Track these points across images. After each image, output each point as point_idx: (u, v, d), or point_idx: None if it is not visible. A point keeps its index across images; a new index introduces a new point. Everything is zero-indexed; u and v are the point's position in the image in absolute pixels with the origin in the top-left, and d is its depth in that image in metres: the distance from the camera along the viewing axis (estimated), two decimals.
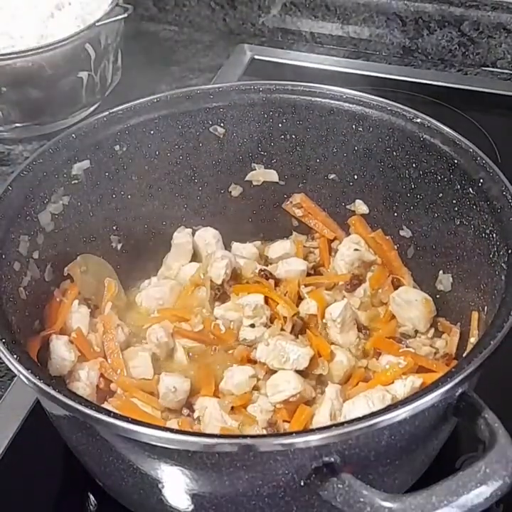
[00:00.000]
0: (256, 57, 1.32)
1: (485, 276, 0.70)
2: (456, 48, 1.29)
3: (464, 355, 0.66)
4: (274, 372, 0.74)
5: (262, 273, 0.83)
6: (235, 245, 0.90)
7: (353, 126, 0.83)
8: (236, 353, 0.77)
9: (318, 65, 1.29)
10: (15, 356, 0.60)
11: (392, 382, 0.72)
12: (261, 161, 0.88)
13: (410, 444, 0.60)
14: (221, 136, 0.86)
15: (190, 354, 0.78)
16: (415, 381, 0.71)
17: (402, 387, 0.71)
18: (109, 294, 0.82)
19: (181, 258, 0.88)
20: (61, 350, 0.74)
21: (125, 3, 1.17)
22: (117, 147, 0.82)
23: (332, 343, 0.78)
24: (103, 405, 0.71)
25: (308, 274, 0.86)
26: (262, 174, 0.89)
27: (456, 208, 0.77)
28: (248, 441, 0.54)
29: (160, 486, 0.62)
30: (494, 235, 0.70)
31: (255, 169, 0.89)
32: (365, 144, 0.84)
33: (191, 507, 0.63)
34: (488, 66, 1.28)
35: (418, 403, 0.55)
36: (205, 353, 0.79)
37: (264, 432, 0.71)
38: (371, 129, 0.82)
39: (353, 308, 0.80)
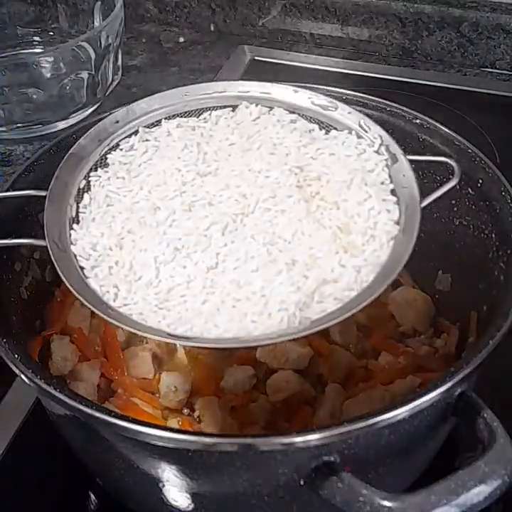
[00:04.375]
0: (256, 58, 1.32)
1: (484, 276, 0.71)
2: (455, 49, 1.29)
3: (463, 354, 0.66)
4: (274, 371, 0.74)
5: None
6: None
7: None
8: (236, 353, 0.77)
9: (317, 65, 1.30)
10: (16, 356, 0.60)
11: (392, 382, 0.72)
12: None
13: (410, 443, 0.60)
14: None
15: (191, 354, 0.78)
16: (415, 381, 0.71)
17: (401, 387, 0.71)
18: None
19: None
20: (62, 350, 0.75)
21: (125, 4, 1.18)
22: None
23: (331, 343, 0.78)
24: (104, 405, 0.72)
25: None
26: None
27: (455, 209, 0.77)
28: (248, 440, 0.54)
29: (160, 485, 0.62)
30: (493, 235, 0.70)
31: None
32: None
33: (191, 506, 0.63)
34: (487, 67, 1.28)
35: (417, 402, 0.55)
36: (205, 353, 0.79)
37: (265, 431, 0.71)
38: None
39: None
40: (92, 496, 0.74)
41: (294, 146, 0.66)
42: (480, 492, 0.52)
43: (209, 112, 0.71)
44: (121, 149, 0.70)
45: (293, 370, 0.74)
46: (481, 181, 0.73)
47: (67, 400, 0.56)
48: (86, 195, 0.67)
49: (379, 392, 0.70)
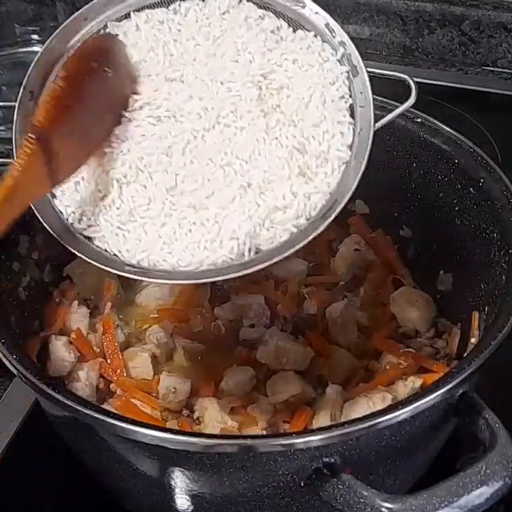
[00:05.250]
0: None
1: (485, 276, 0.70)
2: (456, 48, 1.29)
3: (465, 355, 0.66)
4: (274, 372, 0.74)
5: (262, 273, 0.83)
6: None
7: None
8: (236, 353, 0.77)
9: None
10: (14, 356, 0.60)
11: (393, 383, 0.72)
12: None
13: (411, 444, 0.60)
14: None
15: (190, 354, 0.78)
16: (416, 381, 0.71)
17: (402, 388, 0.71)
18: (108, 294, 0.82)
19: None
20: (60, 351, 0.74)
21: None
22: None
23: (332, 343, 0.78)
24: (103, 406, 0.71)
25: (309, 274, 0.86)
26: None
27: (456, 208, 0.77)
28: (248, 441, 0.54)
29: (160, 486, 0.62)
30: (495, 235, 0.70)
31: None
32: None
33: (191, 507, 0.63)
34: (488, 65, 1.28)
35: (418, 404, 0.55)
36: (205, 353, 0.78)
37: (264, 433, 0.70)
38: None
39: (353, 309, 0.80)
40: (92, 497, 0.74)
41: (258, 51, 0.65)
42: (481, 494, 0.52)
43: (178, 3, 0.68)
44: None
45: (293, 370, 0.74)
46: (482, 180, 0.73)
47: (65, 400, 0.56)
48: None
49: (380, 393, 0.70)
